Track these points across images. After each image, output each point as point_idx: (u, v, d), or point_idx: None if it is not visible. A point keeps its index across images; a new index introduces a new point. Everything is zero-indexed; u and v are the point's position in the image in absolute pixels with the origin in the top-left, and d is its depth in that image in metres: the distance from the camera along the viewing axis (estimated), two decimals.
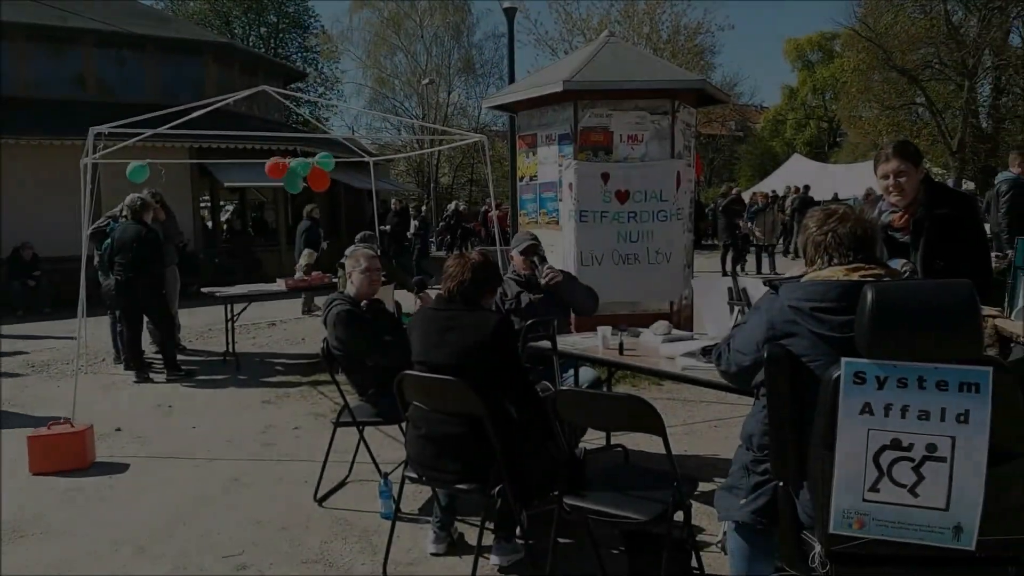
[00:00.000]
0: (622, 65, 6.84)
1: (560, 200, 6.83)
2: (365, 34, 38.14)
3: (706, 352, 3.48)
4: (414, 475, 3.27)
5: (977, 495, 1.81)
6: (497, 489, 3.14)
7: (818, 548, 1.98)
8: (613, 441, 4.81)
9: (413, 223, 15.18)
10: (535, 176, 7.15)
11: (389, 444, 4.98)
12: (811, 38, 45.81)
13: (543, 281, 4.54)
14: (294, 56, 38.04)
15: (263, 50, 34.34)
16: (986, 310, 2.27)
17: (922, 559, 1.91)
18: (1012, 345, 2.18)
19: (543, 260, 4.51)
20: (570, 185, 6.63)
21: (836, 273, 2.14)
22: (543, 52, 28.47)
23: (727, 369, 2.45)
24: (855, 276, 2.10)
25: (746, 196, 17.73)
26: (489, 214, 17.47)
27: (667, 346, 3.90)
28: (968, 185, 23.61)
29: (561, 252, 6.64)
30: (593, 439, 4.85)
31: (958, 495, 1.81)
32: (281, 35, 38.20)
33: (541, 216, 7.13)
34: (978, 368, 1.79)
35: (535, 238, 4.80)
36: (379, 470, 4.17)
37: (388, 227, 15.56)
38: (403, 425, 3.55)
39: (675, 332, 4.28)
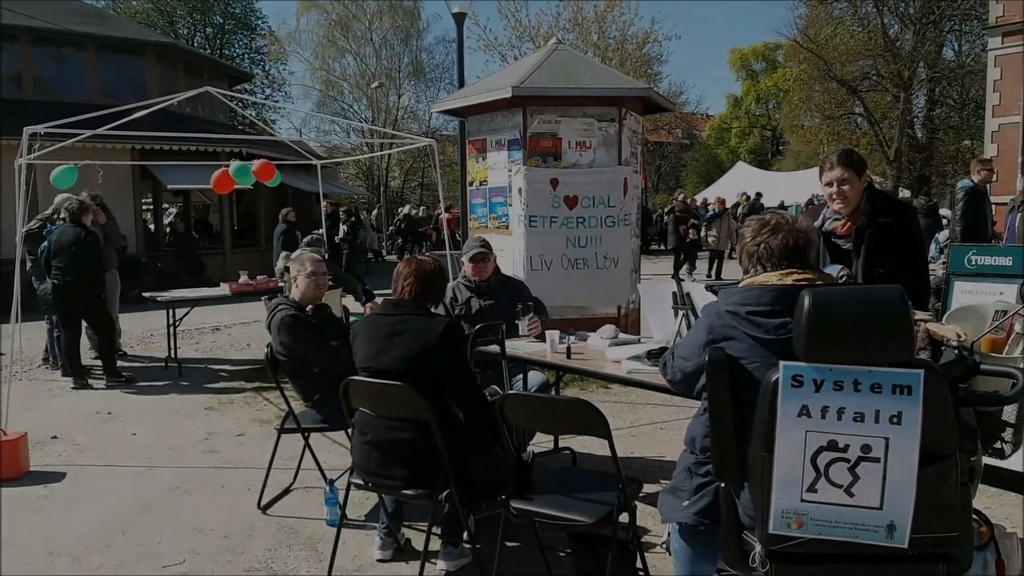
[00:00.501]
0: (570, 72, 6.90)
1: (510, 205, 6.85)
2: (313, 36, 37.69)
3: (651, 356, 3.53)
4: (360, 481, 3.24)
5: (909, 494, 1.86)
6: (444, 494, 3.13)
7: (758, 548, 2.02)
8: (561, 444, 4.84)
9: (342, 228, 14.69)
10: (485, 181, 7.16)
11: (335, 450, 4.92)
12: (755, 48, 46.90)
13: (527, 332, 4.47)
14: (240, 57, 37.42)
15: (208, 51, 33.70)
16: (918, 315, 2.34)
17: (858, 557, 1.96)
18: (943, 348, 2.26)
19: (527, 311, 4.48)
20: (520, 190, 6.66)
21: (771, 278, 2.20)
22: (493, 57, 28.59)
23: (672, 377, 2.50)
24: (789, 280, 2.17)
25: (699, 199, 18.03)
26: (440, 217, 17.42)
27: (613, 350, 3.94)
28: (904, 193, 24.40)
29: (511, 257, 6.66)
30: (542, 443, 4.87)
31: (891, 494, 1.87)
32: (227, 36, 37.55)
33: (491, 221, 7.14)
34: (910, 371, 1.84)
35: (485, 245, 4.80)
36: (325, 477, 4.11)
37: (320, 231, 15.16)
38: (349, 431, 3.52)
39: (622, 336, 4.33)
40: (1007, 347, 2.41)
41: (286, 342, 4.01)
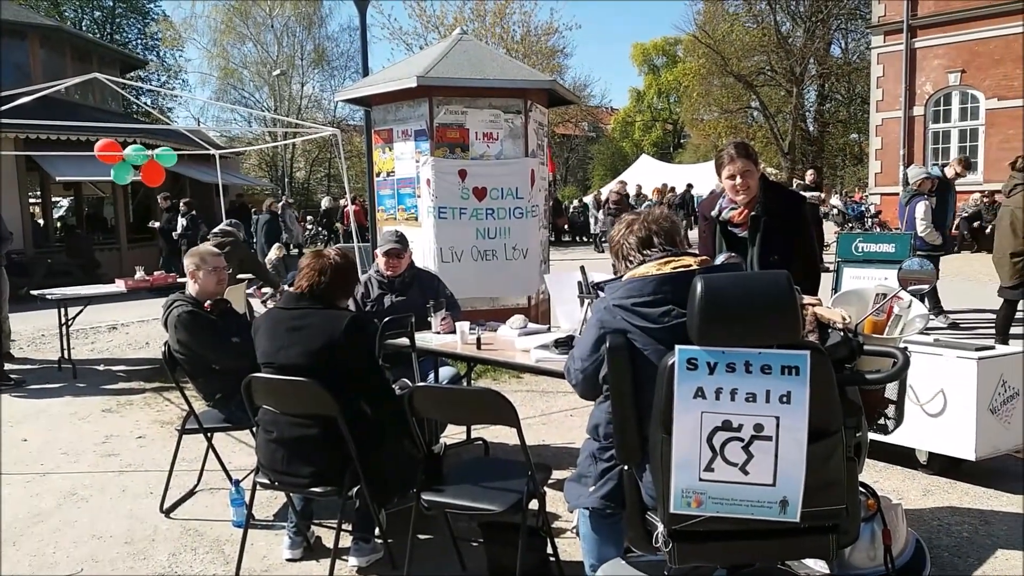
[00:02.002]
0: (475, 63, 6.90)
1: (418, 196, 6.80)
2: (210, 21, 36.38)
3: (558, 344, 3.59)
4: (266, 481, 3.17)
5: (799, 470, 1.96)
6: (354, 490, 3.11)
7: (661, 528, 2.09)
8: (474, 435, 4.86)
9: (180, 221, 13.94)
10: (392, 172, 7.09)
11: (241, 450, 4.80)
12: (656, 43, 47.97)
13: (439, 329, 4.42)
14: (133, 43, 35.72)
15: (98, 36, 31.99)
16: (806, 299, 2.47)
17: (754, 533, 2.05)
18: (829, 331, 2.38)
19: (439, 307, 4.43)
20: (428, 181, 6.63)
21: (650, 269, 2.29)
22: (398, 46, 28.29)
23: (575, 381, 2.53)
24: (667, 269, 2.26)
25: (632, 191, 18.00)
26: (346, 209, 17.10)
27: (522, 339, 3.98)
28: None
29: (421, 248, 6.63)
30: (455, 434, 4.88)
31: (783, 471, 1.96)
32: (118, 20, 35.76)
33: (399, 212, 7.08)
34: (797, 352, 1.94)
35: (400, 240, 4.72)
36: (230, 477, 4.01)
37: (158, 224, 14.46)
38: (254, 430, 3.44)
39: (531, 326, 4.37)
40: (888, 328, 2.55)
41: (184, 339, 3.88)
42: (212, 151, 10.81)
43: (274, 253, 8.79)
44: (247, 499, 3.39)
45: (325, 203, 23.33)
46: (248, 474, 4.09)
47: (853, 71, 31.59)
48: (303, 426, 3.03)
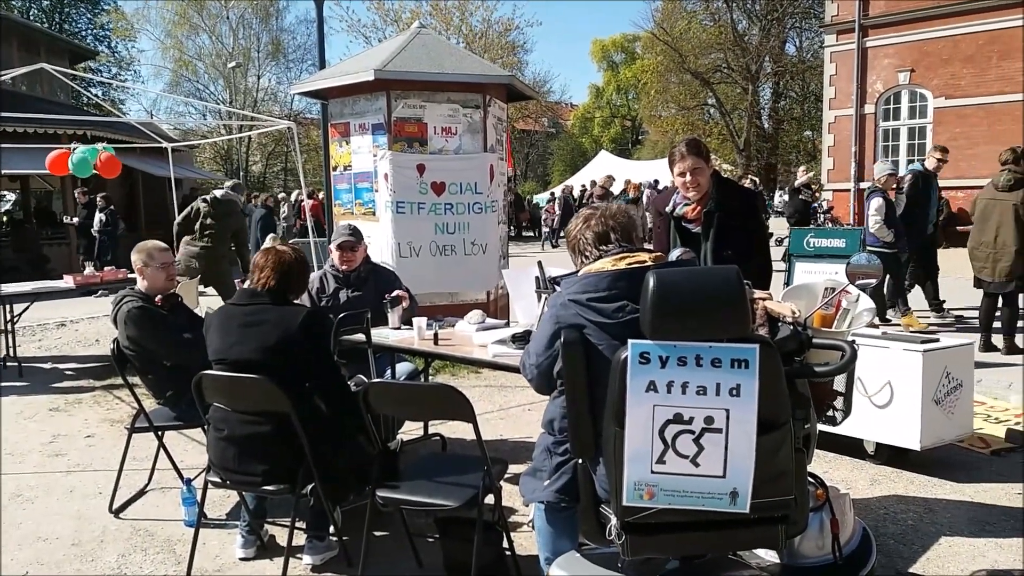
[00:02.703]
0: (433, 57, 6.87)
1: (376, 191, 6.76)
2: (164, 13, 35.61)
3: (516, 339, 3.59)
4: (218, 480, 3.12)
5: (749, 462, 1.99)
6: (308, 488, 3.07)
7: (614, 520, 2.10)
8: (431, 431, 4.85)
9: (98, 216, 13.55)
10: (349, 166, 7.02)
11: (192, 448, 4.71)
12: (615, 39, 48.23)
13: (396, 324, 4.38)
14: (83, 34, 34.80)
15: (47, 25, 31.10)
16: (758, 293, 2.51)
17: (705, 524, 2.08)
18: (779, 324, 2.42)
19: (396, 301, 4.38)
20: (386, 176, 6.58)
21: (605, 264, 2.31)
22: (356, 39, 28.02)
23: (531, 376, 2.54)
24: (622, 264, 2.28)
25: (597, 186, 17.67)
26: (302, 203, 16.86)
27: (480, 335, 3.98)
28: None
29: (379, 243, 6.58)
30: (412, 430, 4.86)
31: (733, 463, 1.99)
32: (67, 10, 34.81)
33: (357, 207, 7.02)
34: (747, 346, 1.97)
35: (354, 233, 4.67)
36: (181, 476, 3.93)
37: (76, 220, 14.10)
38: (205, 427, 3.38)
39: (489, 321, 4.37)
40: (836, 322, 2.61)
41: (133, 336, 3.80)
42: (164, 144, 10.57)
43: (269, 243, 8.66)
44: (199, 498, 3.34)
45: (295, 197, 22.99)
46: (200, 473, 4.03)
47: (807, 69, 32.17)
48: (255, 423, 2.98)
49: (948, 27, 18.26)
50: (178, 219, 8.50)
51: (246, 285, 3.20)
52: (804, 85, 34.08)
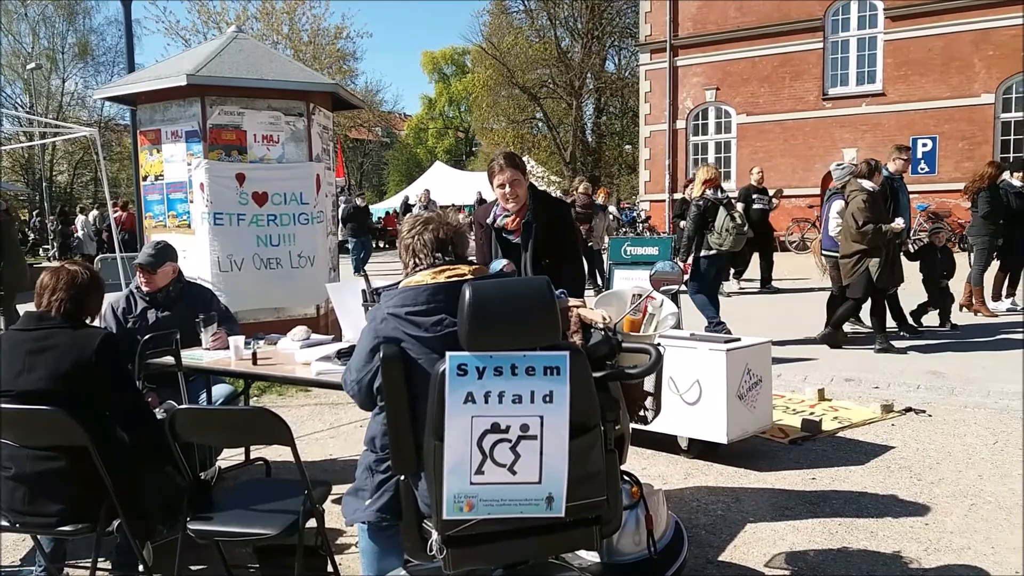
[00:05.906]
0: (252, 62, 6.61)
1: (191, 202, 6.38)
2: None
3: (341, 355, 3.50)
4: (6, 524, 2.81)
5: (563, 466, 2.05)
6: (114, 524, 2.84)
7: (435, 535, 2.10)
8: (255, 455, 4.62)
9: None
10: (161, 175, 6.60)
11: None
12: (445, 52, 48.70)
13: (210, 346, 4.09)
14: None
15: None
16: (572, 301, 2.60)
17: (524, 531, 2.12)
18: (592, 330, 2.52)
19: (209, 321, 4.09)
20: (201, 185, 6.24)
21: (425, 278, 2.30)
22: (175, 42, 26.47)
23: (353, 392, 2.48)
24: (441, 278, 2.28)
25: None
26: (116, 216, 15.67)
27: (303, 352, 3.84)
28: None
29: (195, 258, 6.21)
30: (234, 456, 4.62)
31: (548, 468, 2.04)
32: None
33: (170, 219, 6.60)
34: (557, 354, 2.03)
35: (155, 253, 4.30)
36: None
37: None
38: None
39: (315, 337, 4.22)
40: (643, 326, 2.75)
41: None
42: None
43: None
44: None
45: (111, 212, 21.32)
46: None
47: (626, 86, 33.94)
48: (48, 459, 2.71)
49: (747, 49, 19.93)
50: None
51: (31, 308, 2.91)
52: (623, 101, 35.89)
